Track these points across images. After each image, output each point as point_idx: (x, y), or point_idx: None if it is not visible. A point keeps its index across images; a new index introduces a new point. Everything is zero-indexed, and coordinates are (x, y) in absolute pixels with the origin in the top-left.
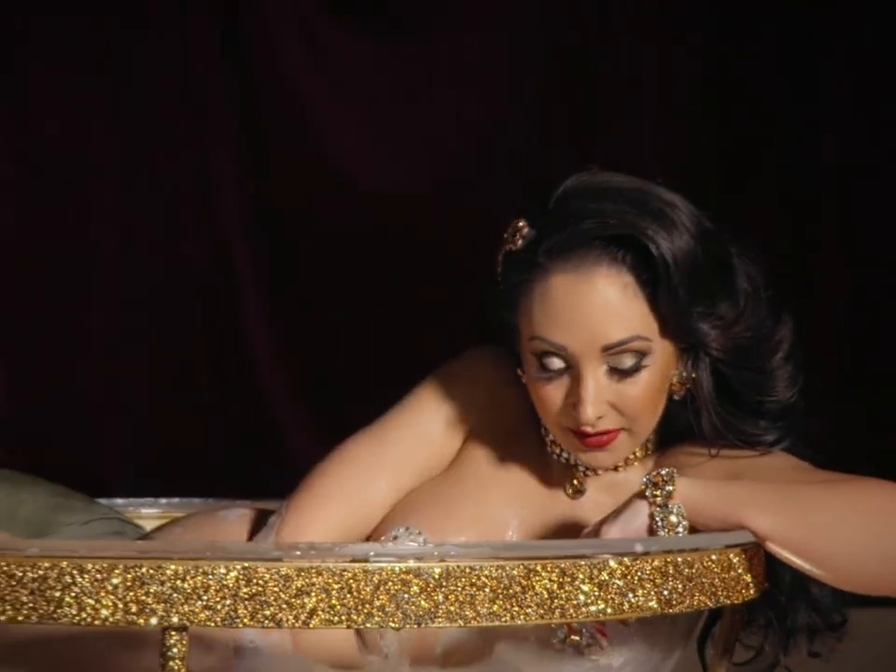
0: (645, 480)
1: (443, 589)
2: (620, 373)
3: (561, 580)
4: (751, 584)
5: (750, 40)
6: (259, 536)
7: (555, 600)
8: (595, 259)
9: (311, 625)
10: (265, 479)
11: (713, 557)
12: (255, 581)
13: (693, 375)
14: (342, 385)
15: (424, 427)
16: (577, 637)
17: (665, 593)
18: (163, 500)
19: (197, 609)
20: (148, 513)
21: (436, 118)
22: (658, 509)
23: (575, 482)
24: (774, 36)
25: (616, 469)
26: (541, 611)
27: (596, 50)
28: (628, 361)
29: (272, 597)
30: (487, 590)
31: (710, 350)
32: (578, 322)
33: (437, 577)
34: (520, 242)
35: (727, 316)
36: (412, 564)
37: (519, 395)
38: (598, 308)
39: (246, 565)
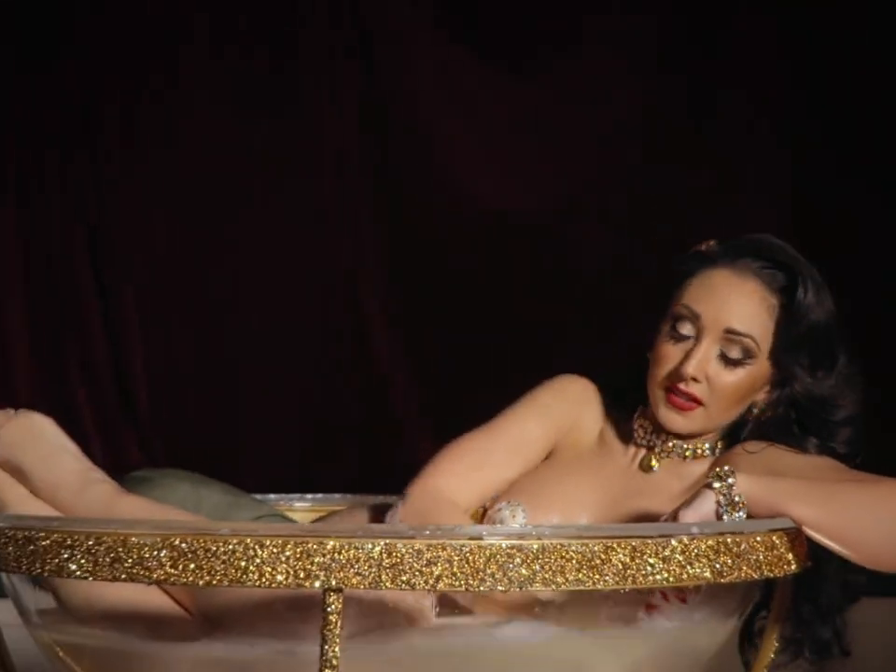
0: (711, 474)
1: (539, 561)
2: (726, 361)
3: (633, 554)
4: (792, 562)
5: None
6: (390, 512)
7: (628, 570)
8: (755, 271)
9: (437, 588)
10: (390, 479)
11: (758, 538)
12: (394, 554)
13: (775, 403)
14: (460, 388)
15: (526, 429)
16: (663, 601)
17: (717, 566)
18: (309, 496)
19: (350, 576)
20: (300, 506)
21: (561, 145)
22: (723, 497)
23: (650, 461)
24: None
25: (684, 458)
26: (617, 579)
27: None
28: (737, 353)
29: (407, 567)
30: (574, 562)
31: (794, 388)
32: (718, 303)
33: (535, 551)
34: (704, 247)
35: (816, 377)
36: (515, 541)
37: (602, 406)
38: (738, 301)
39: (388, 541)
